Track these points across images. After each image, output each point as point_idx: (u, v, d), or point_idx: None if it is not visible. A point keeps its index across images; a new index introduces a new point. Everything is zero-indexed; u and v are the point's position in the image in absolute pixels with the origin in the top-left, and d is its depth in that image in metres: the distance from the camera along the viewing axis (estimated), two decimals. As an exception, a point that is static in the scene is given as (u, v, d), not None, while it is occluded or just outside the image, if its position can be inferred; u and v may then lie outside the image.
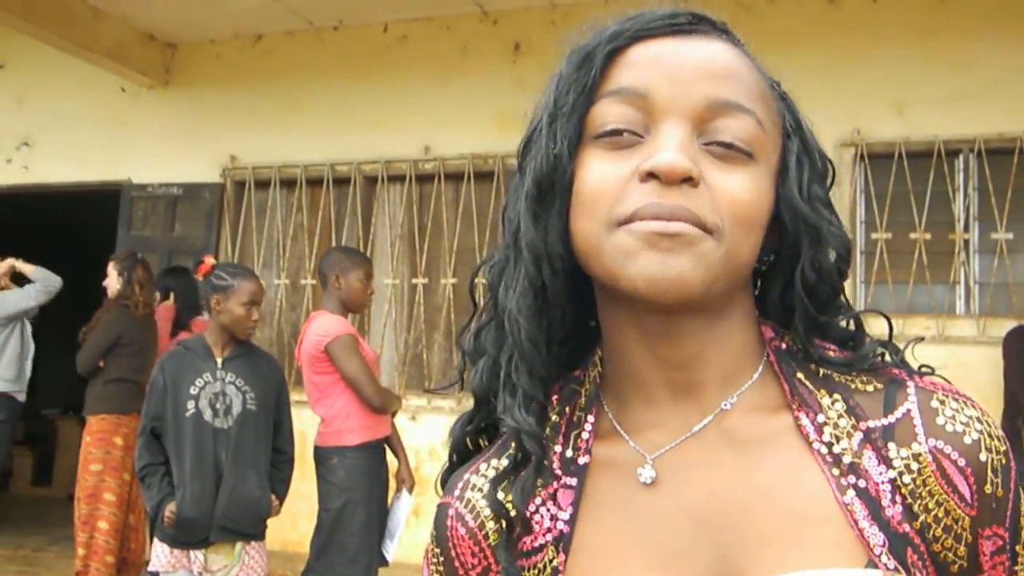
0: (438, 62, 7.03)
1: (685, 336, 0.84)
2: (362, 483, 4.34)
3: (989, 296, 5.90)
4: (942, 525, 0.81)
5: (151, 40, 7.69)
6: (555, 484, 0.87)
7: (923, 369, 0.89)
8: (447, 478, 0.96)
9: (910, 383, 0.85)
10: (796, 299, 0.87)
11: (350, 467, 4.34)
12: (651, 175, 0.78)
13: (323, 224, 7.31)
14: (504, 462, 0.89)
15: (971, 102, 5.86)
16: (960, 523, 0.81)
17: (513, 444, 0.87)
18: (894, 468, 0.81)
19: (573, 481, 0.87)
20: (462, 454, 0.97)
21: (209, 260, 4.15)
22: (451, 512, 0.91)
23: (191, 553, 3.86)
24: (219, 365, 3.97)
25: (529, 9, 6.86)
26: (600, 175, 0.82)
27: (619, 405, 0.89)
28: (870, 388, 0.85)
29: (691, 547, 0.82)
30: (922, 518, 0.80)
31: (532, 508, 0.87)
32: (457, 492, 0.92)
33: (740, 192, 0.80)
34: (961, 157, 6.01)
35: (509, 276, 0.89)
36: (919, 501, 0.81)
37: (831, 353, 0.88)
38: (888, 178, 5.99)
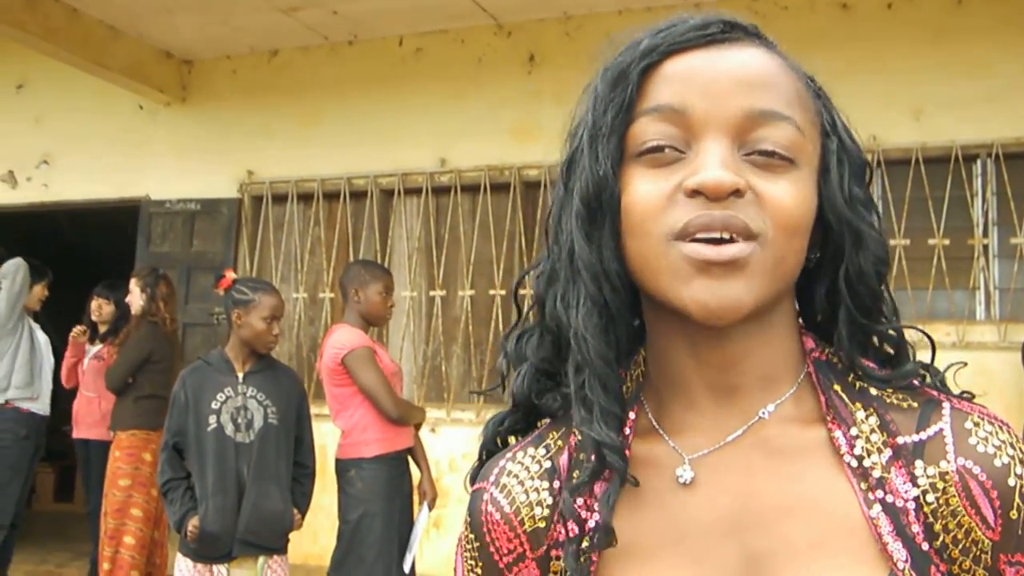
0: (453, 75, 7.06)
1: (731, 341, 0.85)
2: (380, 495, 4.34)
3: (1009, 301, 5.86)
4: (960, 546, 0.80)
5: (168, 57, 7.74)
6: (596, 479, 0.88)
7: (964, 394, 0.89)
8: (476, 475, 0.97)
9: (946, 404, 0.85)
10: (840, 300, 0.87)
11: (368, 479, 4.34)
12: (697, 192, 0.79)
13: (340, 238, 7.33)
14: (541, 451, 0.92)
15: (988, 106, 5.84)
16: (980, 546, 0.80)
17: (593, 456, 0.87)
18: (919, 486, 0.81)
19: (610, 476, 0.88)
20: (492, 452, 0.98)
21: (230, 275, 4.17)
22: (486, 498, 0.92)
23: (214, 568, 3.87)
24: (240, 380, 3.99)
25: (543, 21, 6.87)
26: (646, 192, 0.82)
27: (659, 405, 0.91)
28: (905, 405, 0.85)
29: (721, 549, 0.83)
30: (942, 537, 0.80)
31: (571, 495, 0.88)
32: (492, 478, 0.93)
33: (785, 199, 0.81)
34: (979, 162, 5.99)
35: (568, 293, 0.89)
36: (940, 521, 0.80)
37: (871, 367, 0.88)
38: (905, 184, 5.96)
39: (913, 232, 5.93)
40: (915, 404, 0.85)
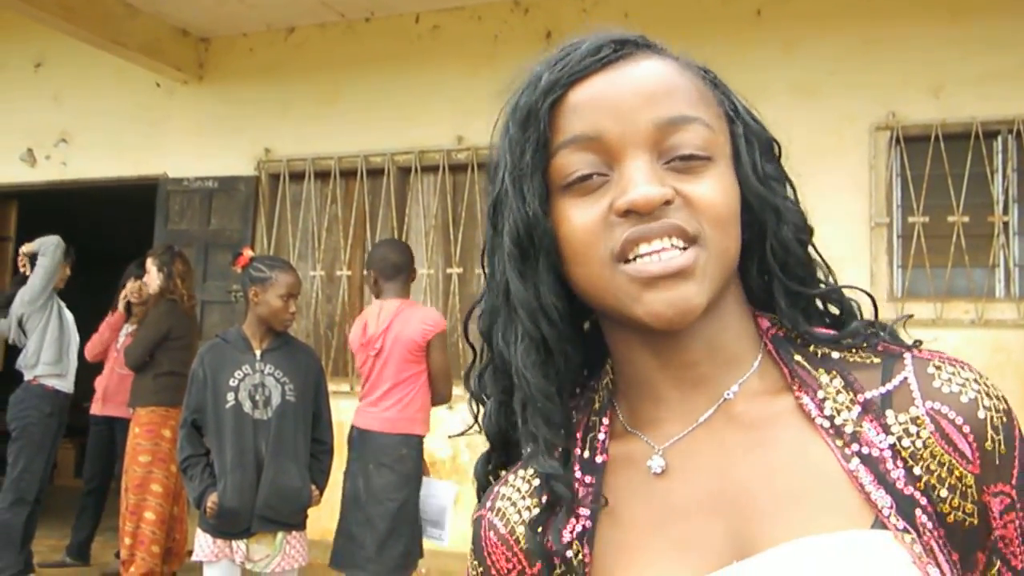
0: (470, 52, 7.04)
1: (689, 339, 0.88)
2: (419, 474, 4.44)
3: (1029, 278, 5.83)
4: (946, 485, 0.82)
5: (185, 35, 7.74)
6: (576, 485, 0.91)
7: (916, 343, 0.91)
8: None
9: (907, 355, 0.88)
10: (772, 274, 0.91)
11: (416, 457, 4.42)
12: (629, 211, 0.82)
13: (357, 215, 7.34)
14: (530, 471, 0.94)
15: (1008, 82, 5.79)
16: (964, 481, 0.83)
17: (545, 488, 0.91)
18: (892, 434, 0.84)
19: (591, 479, 0.91)
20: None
21: (248, 252, 4.19)
22: (484, 523, 0.96)
23: (233, 543, 3.90)
24: (258, 357, 4.01)
25: (560, -3, 6.84)
26: (581, 221, 0.85)
27: (631, 408, 0.94)
28: (868, 362, 0.88)
29: (705, 529, 0.85)
30: (925, 479, 0.82)
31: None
32: (489, 504, 0.97)
33: (710, 196, 0.84)
34: (999, 138, 5.94)
35: (507, 330, 0.93)
36: (921, 463, 0.82)
37: (818, 331, 0.91)
38: (925, 161, 5.93)
39: (932, 209, 5.90)
40: (877, 360, 0.88)
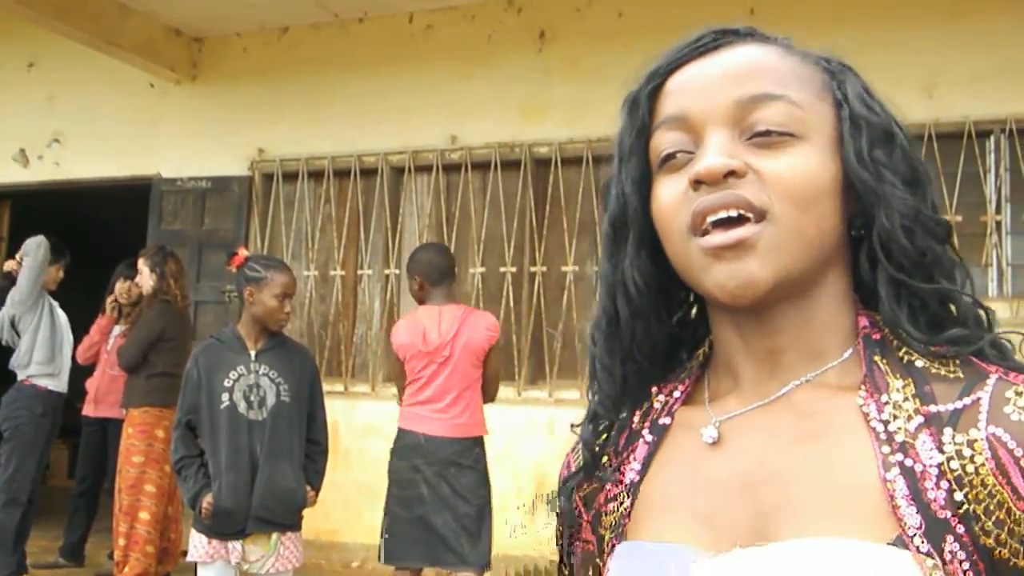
0: (463, 52, 7.04)
1: (773, 322, 0.89)
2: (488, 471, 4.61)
3: (1022, 278, 5.84)
4: (993, 518, 0.78)
5: (178, 35, 7.73)
6: (639, 441, 0.97)
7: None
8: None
9: (994, 375, 0.83)
10: (878, 262, 0.89)
11: (485, 455, 4.57)
12: (698, 182, 0.85)
13: (351, 215, 7.34)
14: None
15: (1001, 82, 5.80)
16: (1013, 517, 0.77)
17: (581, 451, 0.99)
18: (944, 452, 0.80)
19: (651, 438, 0.96)
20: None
21: (243, 252, 4.18)
22: (566, 461, 1.05)
23: (229, 544, 3.89)
24: (252, 357, 4.00)
25: (554, -3, 6.84)
26: (666, 196, 0.90)
27: (717, 381, 0.97)
28: (952, 376, 0.85)
29: (734, 505, 0.87)
30: (968, 507, 0.78)
31: (618, 462, 0.97)
32: (575, 445, 1.04)
33: (785, 170, 0.85)
34: (992, 138, 5.95)
35: (596, 306, 1.00)
36: (966, 489, 0.78)
37: (912, 330, 0.88)
38: (918, 160, 5.93)
39: (925, 209, 5.90)
40: (962, 376, 0.84)
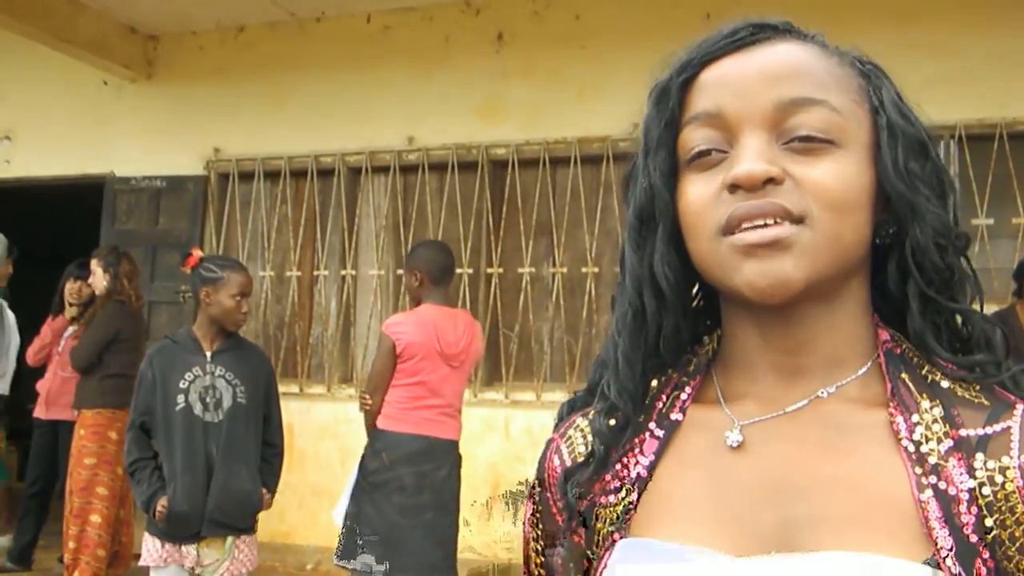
0: (421, 53, 7.03)
1: (797, 323, 0.88)
2: None
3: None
4: (1017, 544, 0.79)
5: (132, 33, 7.65)
6: (645, 435, 0.94)
7: None
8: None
9: (1020, 406, 0.84)
10: (910, 274, 0.89)
11: None
12: (735, 186, 0.83)
13: (308, 216, 7.31)
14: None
15: (952, 88, 5.89)
16: None
17: (591, 442, 0.95)
18: (976, 478, 0.80)
19: (661, 433, 0.93)
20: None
21: (197, 253, 4.14)
22: (552, 447, 1.00)
23: (183, 548, 3.86)
24: (208, 359, 3.97)
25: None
26: (696, 195, 0.88)
27: (727, 379, 0.95)
28: (976, 401, 0.85)
29: (757, 513, 0.85)
30: (996, 533, 0.79)
31: (619, 454, 0.94)
32: (562, 430, 1.01)
33: (824, 178, 0.84)
34: (942, 144, 6.04)
35: (621, 298, 0.96)
36: (996, 515, 0.79)
37: (938, 348, 0.88)
38: (870, 165, 6.01)
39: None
40: (987, 403, 0.85)
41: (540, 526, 1.00)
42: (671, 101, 0.90)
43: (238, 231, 7.45)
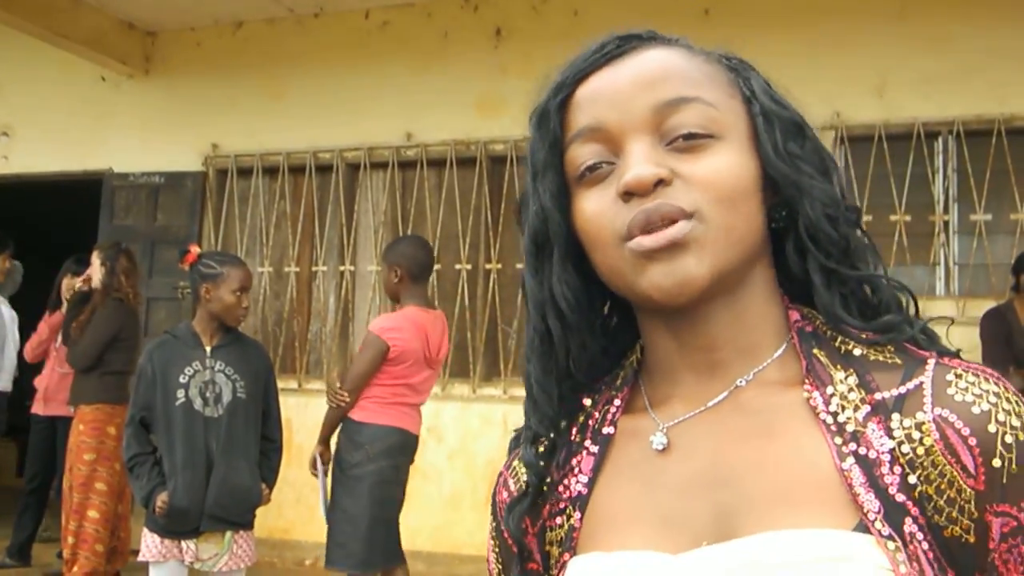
0: (420, 48, 7.03)
1: (706, 321, 0.89)
2: None
3: (968, 277, 5.95)
4: (944, 496, 0.80)
5: (131, 29, 7.65)
6: (582, 453, 0.95)
7: (958, 351, 0.90)
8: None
9: (932, 360, 0.86)
10: (807, 252, 0.90)
11: None
12: (628, 193, 0.85)
13: (306, 211, 7.31)
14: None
15: (950, 84, 5.90)
16: (963, 495, 0.80)
17: (525, 472, 0.96)
18: (894, 438, 0.82)
19: (596, 449, 0.95)
20: None
21: (195, 249, 4.14)
22: (501, 480, 1.02)
23: (183, 543, 3.86)
24: (208, 353, 3.97)
25: (510, -5, 6.86)
26: (593, 208, 0.89)
27: (652, 387, 0.96)
28: (891, 363, 0.87)
29: (692, 509, 0.87)
30: (921, 488, 0.80)
31: (559, 476, 0.95)
32: (508, 462, 1.02)
33: (711, 172, 0.86)
34: (940, 139, 6.06)
35: (527, 324, 0.97)
36: (919, 471, 0.81)
37: (848, 317, 0.90)
38: (868, 160, 6.02)
39: (875, 208, 6.00)
40: (900, 362, 0.86)
41: (499, 559, 1.02)
42: (551, 123, 0.92)
43: (236, 227, 7.45)
